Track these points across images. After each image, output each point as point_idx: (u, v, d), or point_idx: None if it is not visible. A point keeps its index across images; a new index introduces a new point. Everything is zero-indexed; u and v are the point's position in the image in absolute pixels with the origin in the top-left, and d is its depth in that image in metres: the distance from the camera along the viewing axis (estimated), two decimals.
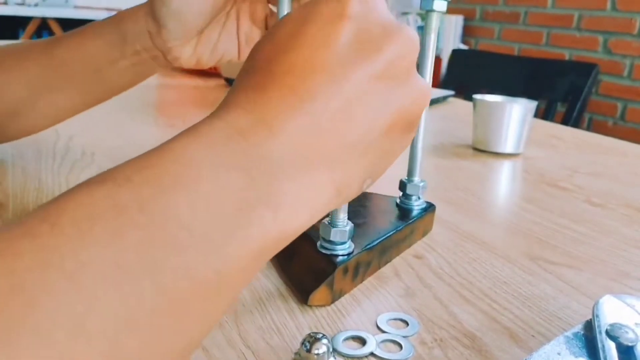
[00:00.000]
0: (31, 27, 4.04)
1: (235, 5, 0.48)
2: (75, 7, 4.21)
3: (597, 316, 0.28)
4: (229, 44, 0.48)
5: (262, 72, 0.23)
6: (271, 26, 0.27)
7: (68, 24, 3.91)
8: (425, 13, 0.42)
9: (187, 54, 0.47)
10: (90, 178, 0.20)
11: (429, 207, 0.47)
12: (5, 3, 4.03)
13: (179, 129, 0.22)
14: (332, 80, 0.23)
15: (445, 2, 0.42)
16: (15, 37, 3.99)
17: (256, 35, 0.48)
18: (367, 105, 0.24)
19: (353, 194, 0.26)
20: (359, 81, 0.24)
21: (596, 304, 0.29)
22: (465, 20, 3.08)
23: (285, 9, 0.43)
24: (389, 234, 0.40)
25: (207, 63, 0.48)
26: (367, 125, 0.24)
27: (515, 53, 2.81)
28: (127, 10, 0.47)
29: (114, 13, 0.48)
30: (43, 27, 4.11)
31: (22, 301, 0.15)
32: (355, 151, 0.24)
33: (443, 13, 0.43)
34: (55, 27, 4.05)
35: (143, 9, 0.46)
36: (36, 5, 4.07)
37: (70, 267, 0.16)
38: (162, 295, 0.18)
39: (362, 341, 0.31)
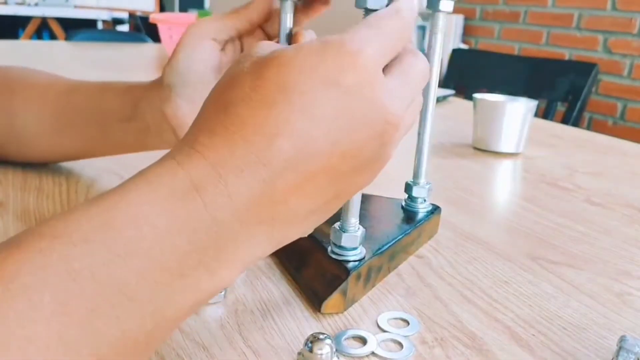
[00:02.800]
0: (31, 27, 4.04)
1: None
2: (75, 6, 4.20)
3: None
4: None
5: (233, 118, 0.23)
6: (267, 53, 0.24)
7: (68, 24, 3.91)
8: (432, 13, 0.42)
9: None
10: (44, 227, 0.20)
11: (435, 210, 0.46)
12: (5, 2, 4.02)
13: None
14: (297, 152, 0.22)
15: (452, 2, 0.41)
16: (15, 36, 3.99)
17: None
18: (322, 182, 0.24)
19: (290, 241, 0.26)
20: (323, 159, 0.23)
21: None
22: (466, 19, 3.08)
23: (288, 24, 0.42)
24: (398, 238, 0.40)
25: None
26: (316, 201, 0.24)
27: (516, 52, 2.81)
28: (143, 82, 0.49)
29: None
30: (43, 26, 4.11)
31: None
32: (298, 216, 0.24)
33: (449, 13, 0.42)
34: (55, 26, 4.04)
35: (155, 80, 0.47)
36: (36, 4, 4.06)
37: (16, 343, 0.17)
38: None
39: (363, 340, 0.31)
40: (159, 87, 0.46)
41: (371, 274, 0.37)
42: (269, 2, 0.43)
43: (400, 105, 0.25)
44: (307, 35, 0.40)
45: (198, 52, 0.43)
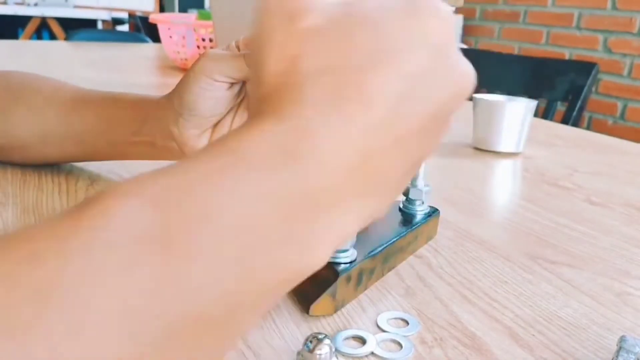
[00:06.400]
0: (31, 27, 4.03)
1: (246, 94, 0.47)
2: (75, 6, 4.20)
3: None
4: None
5: (323, 86, 0.21)
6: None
7: (68, 24, 3.91)
8: None
9: (203, 144, 0.47)
10: (124, 184, 0.19)
11: (433, 212, 0.45)
12: (4, 2, 4.02)
13: None
14: (390, 114, 0.21)
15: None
16: (15, 36, 3.99)
17: None
18: (413, 146, 0.23)
19: (373, 216, 0.24)
20: (416, 119, 0.22)
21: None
22: (465, 19, 3.08)
23: None
24: (392, 241, 0.39)
25: None
26: (406, 165, 0.24)
27: (515, 52, 2.80)
28: (152, 96, 0.49)
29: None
30: (43, 26, 4.11)
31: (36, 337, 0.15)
32: (390, 184, 0.24)
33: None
34: (55, 26, 4.04)
35: (164, 99, 0.47)
36: (36, 4, 4.06)
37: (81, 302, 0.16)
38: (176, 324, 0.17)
39: (363, 340, 0.31)
40: (168, 108, 0.46)
41: (363, 277, 0.36)
42: None
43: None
44: None
45: (210, 89, 0.43)
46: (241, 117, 0.47)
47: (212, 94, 0.44)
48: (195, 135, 0.46)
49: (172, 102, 0.46)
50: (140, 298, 0.17)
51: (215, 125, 0.47)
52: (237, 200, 0.19)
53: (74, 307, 0.16)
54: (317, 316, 0.34)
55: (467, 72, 0.24)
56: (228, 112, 0.47)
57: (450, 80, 0.23)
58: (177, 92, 0.45)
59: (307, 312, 0.33)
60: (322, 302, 0.33)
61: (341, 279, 0.34)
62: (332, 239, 0.21)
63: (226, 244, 0.18)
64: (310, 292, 0.34)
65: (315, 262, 0.21)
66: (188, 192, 0.19)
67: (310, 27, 0.22)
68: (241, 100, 0.47)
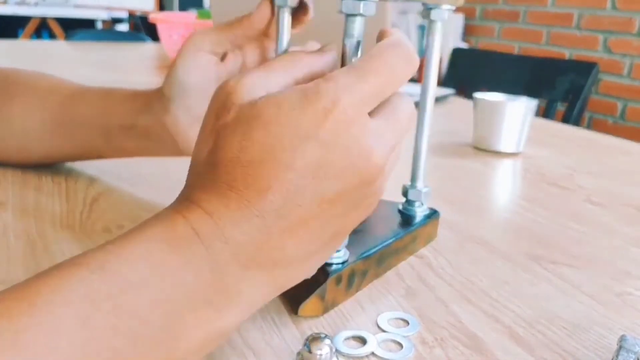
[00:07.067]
0: (30, 27, 4.03)
1: None
2: (75, 6, 4.19)
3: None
4: None
5: (226, 176, 0.25)
6: (243, 107, 0.26)
7: (68, 23, 3.91)
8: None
9: (195, 134, 0.47)
10: (65, 262, 0.22)
11: (433, 214, 0.45)
12: (4, 2, 4.02)
13: None
14: (287, 202, 0.25)
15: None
16: (15, 36, 3.99)
17: None
18: (315, 226, 0.26)
19: (294, 283, 0.28)
20: (312, 206, 0.25)
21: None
22: (466, 19, 3.08)
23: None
24: (388, 242, 0.39)
25: None
26: (313, 244, 0.26)
27: (516, 52, 2.80)
28: (145, 90, 0.49)
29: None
30: (42, 26, 4.10)
31: None
32: (297, 259, 0.26)
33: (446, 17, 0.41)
34: (55, 26, 4.04)
35: (156, 90, 0.48)
36: (36, 4, 4.06)
37: (40, 351, 0.19)
38: None
39: (363, 341, 0.31)
40: (160, 98, 0.46)
41: (355, 278, 0.36)
42: (267, 14, 0.42)
43: (384, 148, 0.26)
44: (310, 46, 0.41)
45: (195, 65, 0.44)
46: None
47: (197, 69, 0.44)
48: (187, 125, 0.46)
49: (164, 89, 0.46)
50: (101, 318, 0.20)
51: None
52: (162, 268, 0.23)
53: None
54: (305, 317, 0.33)
55: (372, 156, 0.26)
56: None
57: (346, 169, 0.25)
58: (167, 77, 0.46)
59: (296, 313, 0.33)
60: (311, 303, 0.33)
61: (331, 280, 0.33)
62: (244, 304, 0.25)
63: (158, 303, 0.22)
64: (299, 292, 0.33)
65: (231, 322, 0.25)
66: (125, 260, 0.23)
67: (226, 124, 0.26)
68: None
